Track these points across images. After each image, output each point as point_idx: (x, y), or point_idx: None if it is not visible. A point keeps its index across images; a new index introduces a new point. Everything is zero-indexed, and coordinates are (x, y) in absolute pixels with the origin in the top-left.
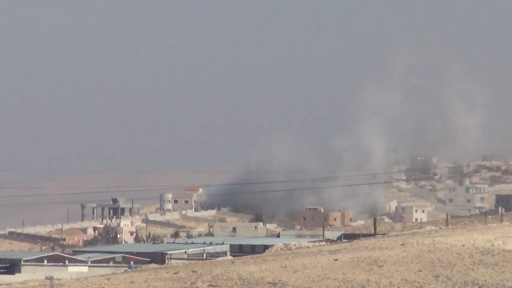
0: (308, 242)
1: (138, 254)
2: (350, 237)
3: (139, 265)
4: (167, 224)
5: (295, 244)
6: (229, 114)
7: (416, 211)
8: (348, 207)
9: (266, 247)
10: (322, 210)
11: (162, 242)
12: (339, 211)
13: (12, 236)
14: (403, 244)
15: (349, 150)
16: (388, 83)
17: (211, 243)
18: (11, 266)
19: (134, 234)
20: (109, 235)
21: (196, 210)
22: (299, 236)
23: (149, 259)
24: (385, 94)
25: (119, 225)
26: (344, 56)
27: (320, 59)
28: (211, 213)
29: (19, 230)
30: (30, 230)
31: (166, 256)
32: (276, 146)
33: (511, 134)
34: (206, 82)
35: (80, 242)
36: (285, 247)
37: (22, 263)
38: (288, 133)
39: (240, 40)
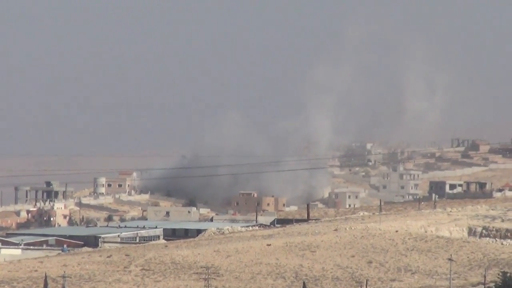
0: (241, 227)
1: (71, 237)
2: (283, 222)
3: (73, 248)
4: (100, 207)
5: (228, 229)
6: (171, 95)
7: (349, 197)
8: (286, 192)
9: (199, 231)
10: (255, 195)
11: (96, 225)
12: (273, 196)
13: None
14: (336, 230)
15: (294, 134)
16: (340, 60)
17: (144, 227)
18: None
19: (68, 218)
20: (43, 218)
21: (129, 194)
22: (232, 221)
23: (82, 243)
24: (337, 73)
25: (53, 208)
26: (297, 32)
27: (271, 36)
28: (145, 197)
29: None
30: None
31: (100, 240)
32: (223, 129)
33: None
34: (146, 60)
35: (13, 225)
36: (218, 231)
37: None
38: (235, 116)
39: (185, 14)
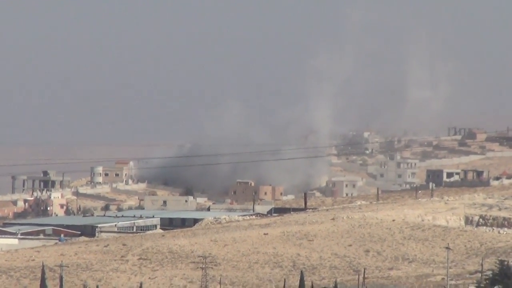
0: (239, 216)
1: (68, 226)
2: (281, 211)
3: (69, 237)
4: (97, 197)
5: (225, 218)
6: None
7: (346, 186)
8: (284, 181)
9: (196, 220)
10: (252, 184)
11: (93, 215)
12: (270, 185)
13: None
14: (333, 219)
15: (294, 123)
16: (341, 48)
17: (141, 216)
18: None
19: (65, 207)
20: (40, 208)
21: (126, 183)
22: (230, 210)
23: (79, 232)
24: (338, 62)
25: (50, 197)
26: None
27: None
28: (142, 186)
29: None
30: None
31: (96, 229)
32: (223, 118)
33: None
34: (145, 50)
35: (10, 214)
36: (216, 220)
37: None
38: (236, 106)
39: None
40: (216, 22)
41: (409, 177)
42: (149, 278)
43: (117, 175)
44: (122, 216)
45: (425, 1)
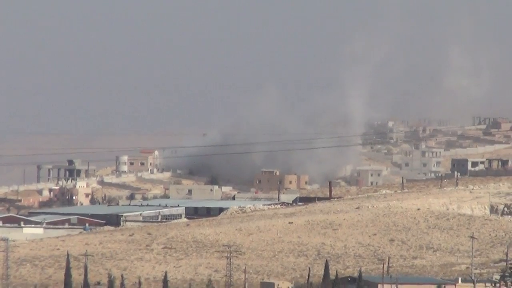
0: (263, 205)
1: (93, 216)
2: (306, 200)
3: (94, 227)
4: (122, 186)
5: (250, 207)
6: (200, 76)
7: (371, 175)
8: (311, 170)
9: (221, 210)
10: (277, 173)
11: (118, 204)
12: (295, 174)
13: None
14: (358, 208)
15: (327, 111)
16: (377, 31)
17: (166, 206)
18: None
19: (90, 196)
20: (65, 197)
21: (151, 172)
22: (255, 199)
23: (104, 221)
24: (373, 46)
25: (75, 186)
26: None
27: (309, 10)
28: (167, 175)
29: None
30: None
31: (121, 218)
32: (260, 106)
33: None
34: (168, 41)
35: (36, 203)
36: (240, 210)
37: None
38: (273, 93)
39: None
40: (251, 9)
41: (434, 166)
42: (174, 267)
43: (142, 164)
44: (147, 205)
45: None
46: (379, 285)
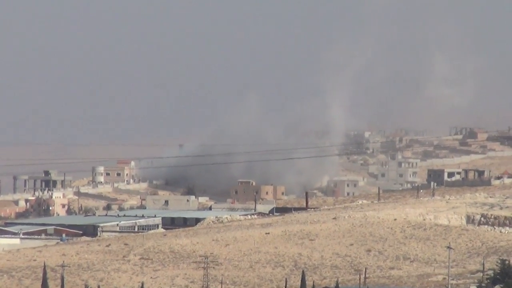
0: (240, 215)
1: (70, 226)
2: (282, 210)
3: (71, 237)
4: (99, 196)
5: (227, 218)
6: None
7: (348, 185)
8: (288, 181)
9: (198, 220)
10: (254, 184)
11: (94, 214)
12: (271, 184)
13: None
14: (335, 218)
15: (307, 120)
16: (360, 41)
17: (143, 216)
18: None
19: (66, 207)
20: (41, 208)
21: (128, 183)
22: (231, 209)
23: (81, 232)
24: (354, 52)
25: (51, 197)
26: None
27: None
28: (143, 186)
29: None
30: None
31: (98, 229)
32: (240, 116)
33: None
34: (147, 49)
35: (12, 214)
36: (217, 220)
37: None
38: (254, 103)
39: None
40: (231, 16)
41: (410, 176)
42: (151, 278)
43: (118, 174)
44: (124, 215)
45: None
46: None
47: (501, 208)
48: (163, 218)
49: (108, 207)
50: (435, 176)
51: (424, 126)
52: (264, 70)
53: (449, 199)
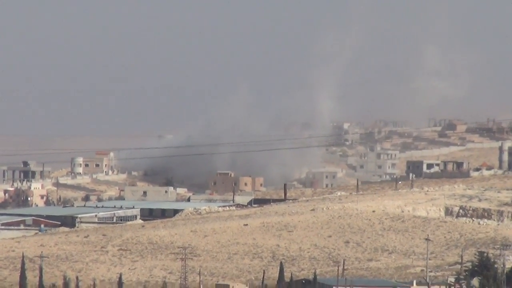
0: (219, 206)
1: (48, 217)
2: (261, 202)
3: (50, 228)
4: (78, 187)
5: (205, 209)
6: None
7: (326, 177)
8: (265, 172)
9: (176, 211)
10: (232, 175)
11: (73, 205)
12: (250, 176)
13: None
14: (313, 210)
15: (293, 113)
16: (349, 32)
17: (121, 207)
18: None
19: (45, 198)
20: (20, 198)
21: (107, 174)
22: (210, 200)
23: (59, 223)
24: (344, 47)
25: (30, 188)
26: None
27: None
28: (122, 177)
29: None
30: None
31: (77, 220)
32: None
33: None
34: (133, 42)
35: None
36: (196, 211)
37: None
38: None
39: None
40: (219, 9)
41: (389, 168)
42: (129, 269)
43: (97, 165)
44: (102, 206)
45: None
46: None
47: (479, 200)
48: (141, 209)
49: (86, 198)
50: (414, 167)
51: (404, 118)
52: (253, 63)
53: (427, 191)
